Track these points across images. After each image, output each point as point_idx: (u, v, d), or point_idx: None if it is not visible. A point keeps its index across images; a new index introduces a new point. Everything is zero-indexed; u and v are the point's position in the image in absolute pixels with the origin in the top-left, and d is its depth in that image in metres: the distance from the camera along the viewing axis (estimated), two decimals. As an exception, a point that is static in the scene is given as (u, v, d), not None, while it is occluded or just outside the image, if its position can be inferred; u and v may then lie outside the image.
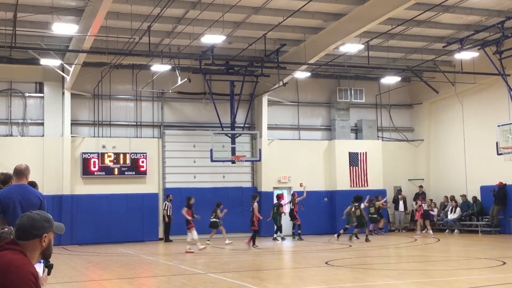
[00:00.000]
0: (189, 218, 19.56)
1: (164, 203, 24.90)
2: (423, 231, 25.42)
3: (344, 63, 24.97)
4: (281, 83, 24.82)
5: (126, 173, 24.87)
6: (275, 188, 27.03)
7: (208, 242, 22.01)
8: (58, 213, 22.80)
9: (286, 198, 26.33)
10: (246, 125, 26.67)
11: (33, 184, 7.80)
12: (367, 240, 22.21)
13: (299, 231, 24.34)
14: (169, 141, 26.05)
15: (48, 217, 3.53)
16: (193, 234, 19.30)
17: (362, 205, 22.88)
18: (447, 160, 28.04)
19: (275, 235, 24.54)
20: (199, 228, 25.36)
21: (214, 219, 22.36)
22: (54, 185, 23.60)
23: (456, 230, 25.78)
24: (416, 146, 29.68)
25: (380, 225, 26.61)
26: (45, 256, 3.54)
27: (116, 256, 19.07)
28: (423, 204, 25.25)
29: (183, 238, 24.78)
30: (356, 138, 28.76)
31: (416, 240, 22.97)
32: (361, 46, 21.83)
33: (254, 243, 20.39)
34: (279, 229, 24.29)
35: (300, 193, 25.01)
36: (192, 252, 18.83)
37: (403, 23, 20.50)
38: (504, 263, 14.28)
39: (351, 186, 27.41)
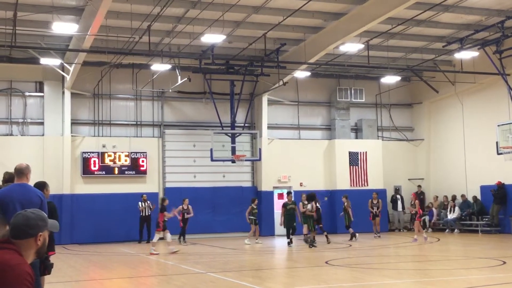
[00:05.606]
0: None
1: (139, 204, 24.11)
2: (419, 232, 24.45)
3: (344, 63, 24.97)
4: (281, 83, 24.82)
5: (126, 172, 24.87)
6: (275, 187, 27.03)
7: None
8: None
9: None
10: (246, 125, 26.67)
11: (42, 184, 7.83)
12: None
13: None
14: (169, 140, 26.04)
15: (43, 215, 3.51)
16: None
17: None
18: (447, 160, 28.02)
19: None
20: (198, 228, 25.48)
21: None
22: (54, 185, 23.41)
23: (456, 230, 25.77)
24: (416, 145, 29.66)
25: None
26: (40, 255, 3.54)
27: (116, 255, 19.08)
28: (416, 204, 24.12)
29: (188, 238, 24.91)
30: (356, 137, 28.75)
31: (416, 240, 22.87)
32: (361, 46, 21.83)
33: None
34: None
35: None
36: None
37: (403, 23, 20.50)
38: (504, 262, 14.27)
39: (351, 185, 27.39)
